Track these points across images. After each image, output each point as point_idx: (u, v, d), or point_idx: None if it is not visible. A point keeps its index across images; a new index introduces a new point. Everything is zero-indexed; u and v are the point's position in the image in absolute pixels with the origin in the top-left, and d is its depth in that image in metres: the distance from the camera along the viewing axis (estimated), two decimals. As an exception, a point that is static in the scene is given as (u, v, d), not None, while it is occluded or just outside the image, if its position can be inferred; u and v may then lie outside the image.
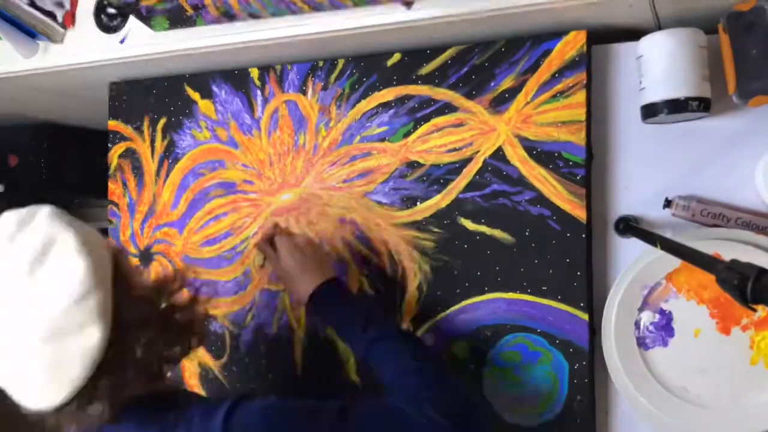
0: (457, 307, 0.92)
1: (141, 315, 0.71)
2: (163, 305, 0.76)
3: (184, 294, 0.79)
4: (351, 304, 0.88)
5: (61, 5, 1.09)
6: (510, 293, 0.90)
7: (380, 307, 0.94)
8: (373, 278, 0.98)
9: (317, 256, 0.91)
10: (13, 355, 0.66)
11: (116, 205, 1.18)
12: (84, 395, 0.67)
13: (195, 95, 1.12)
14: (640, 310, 0.84)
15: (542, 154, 0.88)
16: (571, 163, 0.87)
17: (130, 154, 1.18)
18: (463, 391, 0.77)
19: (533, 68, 0.90)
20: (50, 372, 0.65)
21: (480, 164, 0.92)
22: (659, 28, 0.88)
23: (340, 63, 1.01)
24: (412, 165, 0.96)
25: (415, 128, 0.96)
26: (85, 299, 0.65)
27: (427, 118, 0.95)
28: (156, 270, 1.12)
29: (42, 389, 0.66)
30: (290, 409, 0.73)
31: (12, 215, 0.73)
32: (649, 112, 0.82)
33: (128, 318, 0.69)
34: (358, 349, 0.84)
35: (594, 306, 0.87)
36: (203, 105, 1.12)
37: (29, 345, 0.65)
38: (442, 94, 0.95)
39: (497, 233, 0.91)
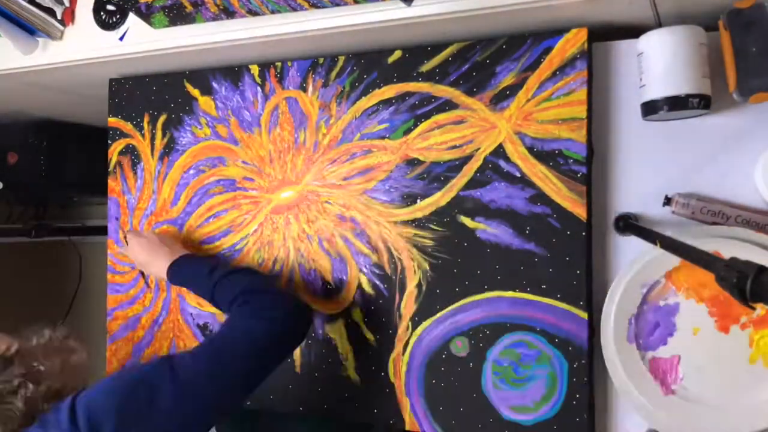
0: (456, 305, 0.92)
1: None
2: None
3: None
4: (199, 264, 0.97)
5: (60, 2, 1.09)
6: (509, 292, 0.90)
7: (224, 263, 1.03)
8: (372, 276, 0.98)
9: (164, 241, 1.04)
10: None
11: (116, 202, 1.18)
12: None
13: (195, 92, 1.12)
14: (640, 308, 0.84)
15: (543, 151, 0.88)
16: (571, 160, 0.87)
17: (129, 151, 1.17)
18: (283, 295, 0.89)
19: (534, 65, 0.89)
20: None
21: (480, 162, 0.92)
22: (659, 25, 0.88)
23: (341, 60, 1.01)
24: (413, 162, 0.96)
25: (415, 125, 0.96)
26: None
27: (427, 116, 0.95)
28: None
29: None
30: (125, 377, 0.78)
31: None
32: (650, 109, 0.82)
33: None
34: (206, 295, 0.93)
35: (593, 305, 0.87)
36: (203, 102, 1.11)
37: None
38: (443, 91, 0.95)
39: (497, 231, 0.91)
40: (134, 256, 1.06)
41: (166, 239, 1.06)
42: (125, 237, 1.10)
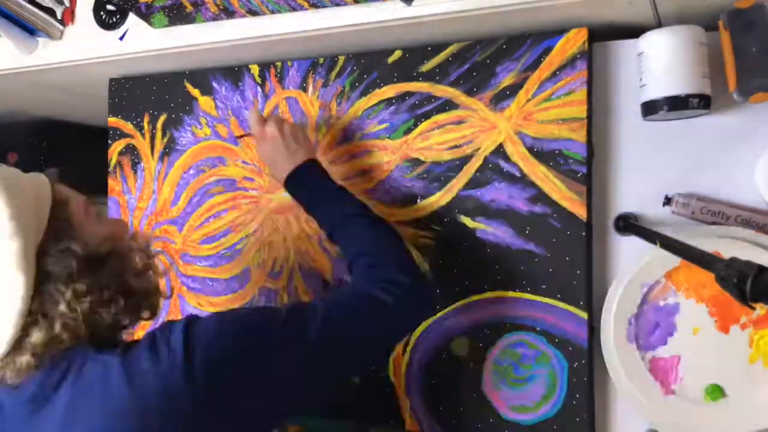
0: (456, 305, 0.92)
1: (69, 268, 0.68)
2: (109, 267, 0.74)
3: (137, 260, 0.79)
4: (323, 187, 0.89)
5: (60, 2, 1.09)
6: (509, 291, 0.90)
7: (351, 194, 0.92)
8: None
9: (297, 139, 0.91)
10: None
11: (116, 202, 1.18)
12: (12, 346, 0.66)
13: (195, 92, 1.12)
14: (640, 308, 0.84)
15: (543, 151, 0.88)
16: (571, 160, 0.87)
17: (129, 150, 1.17)
18: (415, 271, 0.82)
19: (534, 65, 0.89)
20: None
21: (480, 161, 0.92)
22: (660, 25, 0.88)
23: (341, 60, 1.01)
24: (413, 162, 0.96)
25: (415, 125, 0.96)
26: (4, 246, 0.65)
27: (427, 115, 0.95)
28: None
29: None
30: (248, 314, 0.75)
31: None
32: (650, 109, 0.82)
33: (54, 270, 0.68)
34: (326, 223, 0.87)
35: (593, 304, 0.87)
36: (203, 102, 1.11)
37: None
38: (443, 91, 0.95)
39: (497, 231, 0.91)
40: (266, 150, 0.92)
41: (299, 134, 0.93)
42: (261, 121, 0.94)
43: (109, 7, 1.07)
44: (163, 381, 0.64)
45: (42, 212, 0.70)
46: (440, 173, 0.94)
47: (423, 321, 0.90)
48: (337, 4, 0.90)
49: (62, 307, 0.67)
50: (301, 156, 0.90)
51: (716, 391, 0.80)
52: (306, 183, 0.89)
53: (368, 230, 0.84)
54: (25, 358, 0.66)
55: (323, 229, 0.88)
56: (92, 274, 0.70)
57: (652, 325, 0.84)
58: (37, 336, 0.66)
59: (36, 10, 1.08)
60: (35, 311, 0.66)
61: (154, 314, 0.79)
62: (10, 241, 0.65)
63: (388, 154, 0.98)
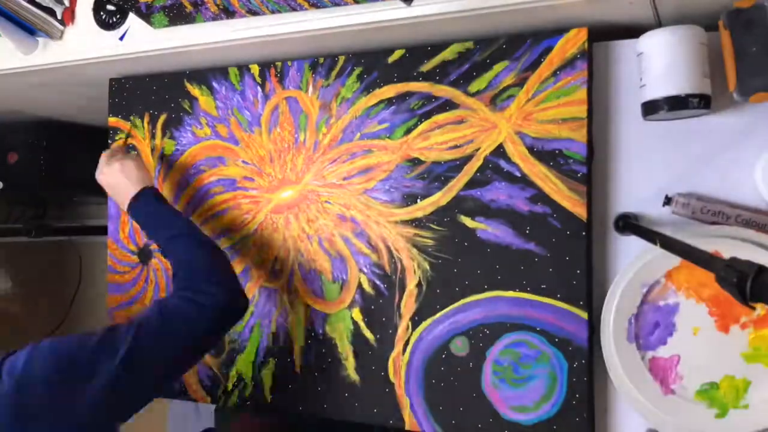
0: (456, 305, 0.92)
1: None
2: None
3: None
4: (158, 211, 0.99)
5: (60, 2, 1.09)
6: (509, 291, 0.90)
7: (182, 217, 1.00)
8: (372, 276, 0.98)
9: (134, 168, 1.02)
10: None
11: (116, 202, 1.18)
12: None
13: (195, 91, 1.12)
14: (640, 308, 0.84)
15: (543, 151, 0.88)
16: (571, 160, 0.87)
17: (129, 150, 1.17)
18: (221, 278, 0.91)
19: (534, 65, 0.89)
20: None
21: (481, 161, 0.92)
22: (659, 25, 0.88)
23: (341, 60, 1.01)
24: (413, 162, 0.96)
25: (415, 125, 0.96)
26: None
27: (427, 115, 0.95)
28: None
29: None
30: (61, 342, 0.79)
31: None
32: (650, 109, 0.82)
33: None
34: (159, 243, 0.97)
35: (593, 304, 0.87)
36: (203, 101, 1.11)
37: None
38: (443, 90, 0.95)
39: (497, 231, 0.91)
40: (103, 178, 1.04)
41: (136, 162, 1.04)
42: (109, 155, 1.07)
43: (109, 7, 1.07)
44: None
45: None
46: (440, 173, 0.94)
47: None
48: (337, 4, 0.90)
49: None
50: (140, 185, 1.00)
51: (711, 391, 0.80)
52: (143, 208, 0.99)
53: (189, 249, 0.93)
54: None
55: (159, 249, 0.99)
56: None
57: (651, 325, 0.84)
58: None
59: (36, 10, 1.08)
60: None
61: None
62: None
63: (388, 154, 0.98)
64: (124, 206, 1.00)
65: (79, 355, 0.76)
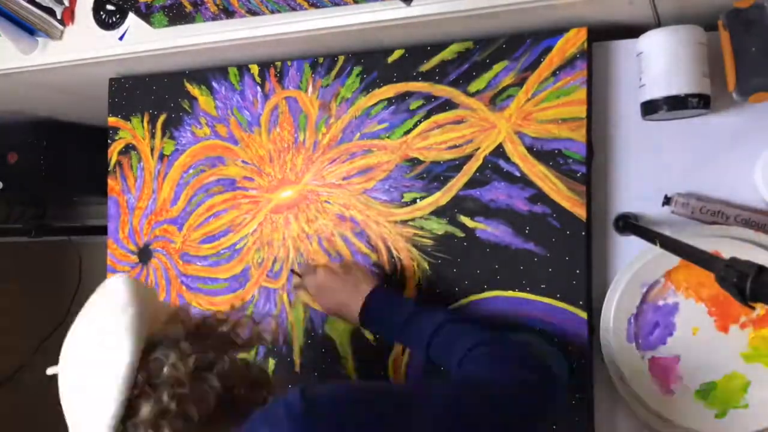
0: (456, 305, 0.92)
1: (177, 335, 0.69)
2: (215, 336, 0.73)
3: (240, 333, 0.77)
4: (399, 312, 0.82)
5: (60, 2, 1.09)
6: (509, 291, 0.90)
7: (421, 306, 0.84)
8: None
9: (351, 273, 0.87)
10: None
11: (116, 201, 1.18)
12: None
13: (195, 91, 1.12)
14: (639, 307, 0.84)
15: (543, 151, 0.88)
16: (571, 160, 0.87)
17: (129, 150, 1.17)
18: (533, 350, 0.74)
19: (534, 65, 0.89)
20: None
21: (480, 161, 0.92)
22: (659, 25, 0.88)
23: (341, 60, 1.01)
24: (412, 162, 0.96)
25: (415, 125, 0.96)
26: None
27: (427, 115, 0.95)
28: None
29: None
30: (370, 388, 0.68)
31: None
32: (649, 109, 0.82)
33: (161, 338, 0.68)
34: (417, 346, 0.80)
35: (593, 304, 0.87)
36: (203, 101, 1.11)
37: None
38: (443, 90, 0.95)
39: (497, 231, 0.91)
40: (325, 302, 0.88)
41: (349, 268, 0.88)
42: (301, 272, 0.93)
43: (109, 7, 1.07)
44: None
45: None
46: (440, 173, 0.94)
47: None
48: (337, 4, 0.90)
49: (166, 370, 0.65)
50: (364, 288, 0.84)
51: (711, 391, 0.80)
52: (378, 315, 0.83)
53: (462, 328, 0.77)
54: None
55: (417, 354, 0.82)
56: (198, 339, 0.70)
57: (651, 325, 0.84)
58: (145, 410, 0.63)
59: (36, 10, 1.08)
60: (141, 382, 0.64)
61: (269, 394, 0.74)
62: (124, 312, 0.67)
63: (388, 154, 0.98)
64: (356, 321, 0.84)
65: (389, 402, 0.63)
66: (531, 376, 0.70)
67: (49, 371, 0.72)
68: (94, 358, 0.66)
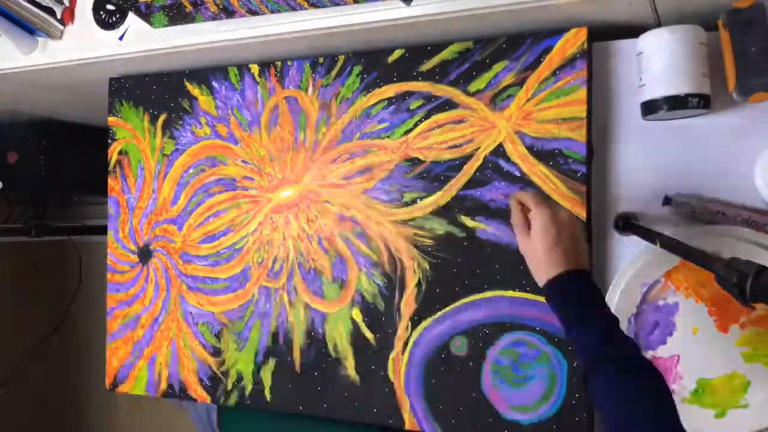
0: (456, 304, 0.92)
1: None
2: None
3: None
4: (587, 312, 0.71)
5: (60, 1, 1.09)
6: (509, 291, 0.90)
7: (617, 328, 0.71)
8: (372, 276, 0.98)
9: (572, 238, 0.74)
10: None
11: (116, 201, 1.18)
12: None
13: (195, 91, 1.12)
14: (639, 307, 0.84)
15: (543, 151, 0.88)
16: (571, 160, 0.87)
17: (129, 150, 1.17)
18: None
19: (534, 65, 0.89)
20: None
21: (480, 161, 0.92)
22: (659, 25, 0.88)
23: (341, 59, 1.01)
24: (413, 162, 0.96)
25: (415, 125, 0.96)
26: None
27: (427, 115, 0.95)
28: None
29: None
30: None
31: None
32: (649, 108, 0.82)
33: None
34: (580, 362, 0.70)
35: (593, 303, 0.87)
36: (203, 101, 1.11)
37: None
38: (443, 90, 0.95)
39: (497, 231, 0.91)
40: (531, 245, 0.75)
41: (576, 233, 0.75)
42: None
43: (109, 6, 1.07)
44: None
45: None
46: (440, 173, 0.94)
47: None
48: (337, 4, 0.90)
49: None
50: (572, 263, 0.73)
51: (711, 390, 0.80)
52: (564, 298, 0.72)
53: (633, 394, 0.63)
54: None
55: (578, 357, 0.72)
56: None
57: (651, 325, 0.84)
58: None
59: (36, 9, 1.08)
60: None
61: None
62: None
63: (388, 154, 0.98)
64: (540, 284, 0.75)
65: None
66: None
67: None
68: None
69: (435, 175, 0.95)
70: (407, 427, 0.95)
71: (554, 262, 0.73)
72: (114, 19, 1.07)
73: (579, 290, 0.72)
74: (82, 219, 2.07)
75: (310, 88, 1.03)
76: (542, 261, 0.74)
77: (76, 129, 1.62)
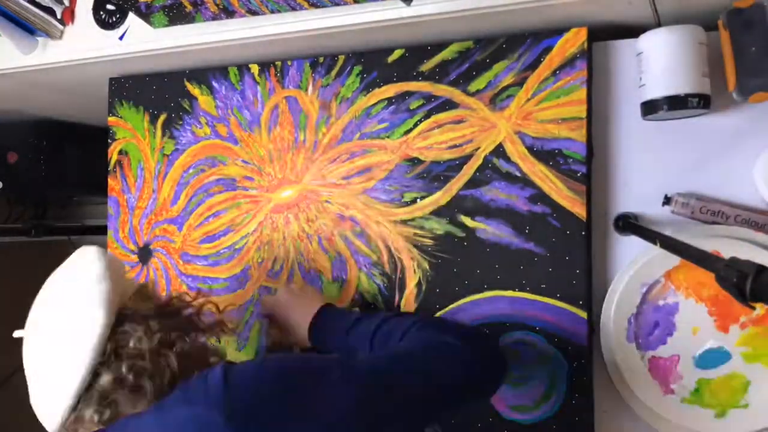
0: (456, 304, 0.92)
1: (147, 310, 0.72)
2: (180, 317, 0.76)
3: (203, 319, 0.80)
4: (338, 327, 0.85)
5: (60, 1, 1.09)
6: (509, 291, 0.90)
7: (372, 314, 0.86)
8: (371, 276, 0.98)
9: (300, 297, 0.91)
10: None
11: (116, 201, 1.18)
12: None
13: (195, 91, 1.12)
14: (639, 307, 0.84)
15: (543, 151, 0.88)
16: (571, 160, 0.87)
17: (129, 150, 1.17)
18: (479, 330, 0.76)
19: (534, 65, 0.89)
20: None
21: (480, 161, 0.92)
22: (659, 25, 0.88)
23: (341, 59, 1.01)
24: (413, 162, 0.96)
25: (415, 125, 0.96)
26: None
27: (427, 115, 0.95)
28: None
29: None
30: (290, 364, 0.69)
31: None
32: (649, 108, 0.82)
33: (131, 312, 0.71)
34: (361, 343, 0.81)
35: (593, 304, 0.87)
36: (203, 101, 1.11)
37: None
38: (443, 90, 0.95)
39: (497, 231, 0.91)
40: (283, 313, 0.91)
41: (301, 290, 0.94)
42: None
43: (109, 6, 1.07)
44: (198, 422, 0.61)
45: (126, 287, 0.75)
46: (440, 172, 0.94)
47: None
48: (337, 4, 0.90)
49: (132, 344, 0.68)
50: (315, 305, 0.88)
51: (711, 390, 0.80)
52: (323, 330, 0.86)
53: (402, 318, 0.80)
54: (89, 412, 0.66)
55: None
56: (164, 318, 0.72)
57: (651, 325, 0.84)
58: (105, 378, 0.66)
59: (36, 9, 1.08)
60: (109, 352, 0.67)
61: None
62: (99, 284, 0.70)
63: (388, 154, 0.98)
64: (305, 337, 0.87)
65: (307, 370, 0.67)
66: (454, 341, 0.72)
67: (16, 334, 0.77)
68: (67, 326, 0.69)
69: (435, 175, 0.95)
70: (407, 427, 0.95)
71: (304, 318, 0.87)
72: (114, 19, 1.07)
73: (330, 317, 0.86)
74: (82, 219, 2.07)
75: (310, 88, 1.03)
76: (297, 323, 0.88)
77: (76, 129, 1.62)
